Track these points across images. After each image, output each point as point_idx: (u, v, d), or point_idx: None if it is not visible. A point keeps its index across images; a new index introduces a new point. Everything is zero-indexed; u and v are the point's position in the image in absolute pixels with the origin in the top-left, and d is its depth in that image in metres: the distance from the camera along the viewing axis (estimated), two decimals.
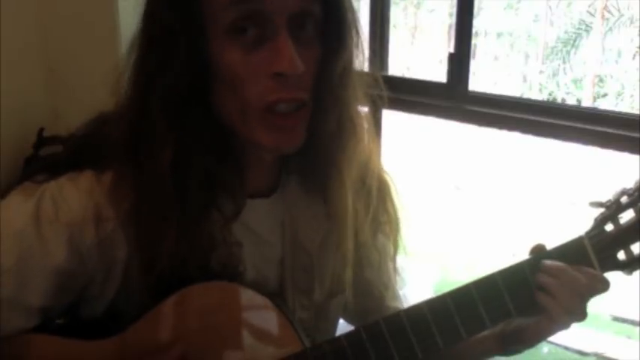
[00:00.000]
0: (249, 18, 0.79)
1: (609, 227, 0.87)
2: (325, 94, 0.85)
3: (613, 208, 0.87)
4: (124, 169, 0.84)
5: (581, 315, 0.86)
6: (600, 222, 0.87)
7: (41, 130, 2.23)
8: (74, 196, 0.85)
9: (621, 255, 0.87)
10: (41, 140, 2.22)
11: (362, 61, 0.90)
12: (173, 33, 0.80)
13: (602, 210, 0.88)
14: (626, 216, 0.86)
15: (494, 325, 0.88)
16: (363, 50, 0.89)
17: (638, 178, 0.87)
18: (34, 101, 2.29)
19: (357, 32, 0.88)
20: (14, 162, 2.16)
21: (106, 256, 0.86)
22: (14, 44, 2.15)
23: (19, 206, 0.86)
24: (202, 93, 0.82)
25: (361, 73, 0.91)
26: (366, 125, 0.94)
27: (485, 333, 0.90)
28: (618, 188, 0.88)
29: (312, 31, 0.83)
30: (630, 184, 0.87)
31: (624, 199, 0.87)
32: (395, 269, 1.05)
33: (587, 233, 0.87)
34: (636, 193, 0.86)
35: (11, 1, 2.12)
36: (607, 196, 0.89)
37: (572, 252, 0.87)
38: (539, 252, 0.88)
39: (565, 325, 0.87)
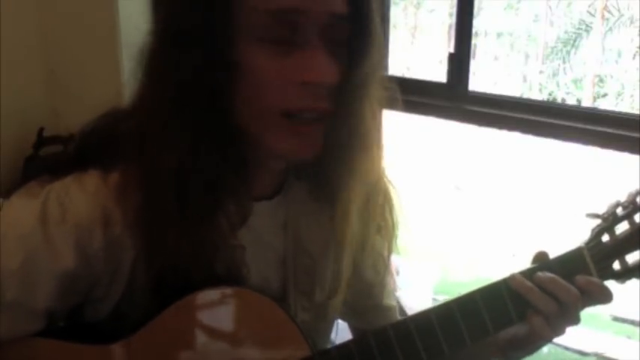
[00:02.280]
0: (285, 26, 0.79)
1: (605, 238, 0.90)
2: (341, 104, 0.84)
3: (609, 220, 0.90)
4: (131, 169, 0.83)
5: (569, 319, 0.88)
6: (598, 233, 0.90)
7: (41, 130, 2.23)
8: (81, 198, 0.84)
9: (616, 265, 0.90)
10: (41, 140, 2.23)
11: (382, 71, 0.89)
12: (198, 33, 0.79)
13: (598, 221, 0.91)
14: (622, 227, 0.90)
15: (498, 332, 0.89)
16: (384, 63, 0.89)
17: (631, 190, 0.90)
18: (34, 101, 2.29)
19: (381, 46, 0.87)
20: (14, 162, 2.16)
21: (113, 258, 0.85)
22: (14, 44, 2.15)
23: (24, 208, 0.85)
24: (219, 96, 0.81)
25: (380, 83, 0.89)
26: (375, 134, 0.92)
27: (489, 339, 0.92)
28: (613, 200, 0.91)
29: (341, 43, 0.82)
30: (624, 197, 0.90)
31: (619, 211, 0.90)
32: (388, 270, 1.06)
33: (586, 244, 0.90)
34: (631, 206, 0.89)
35: (11, 2, 2.13)
36: (603, 207, 0.92)
37: (571, 262, 0.89)
38: (540, 259, 0.90)
39: (553, 332, 0.88)
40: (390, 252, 1.02)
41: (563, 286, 0.86)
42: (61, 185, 0.85)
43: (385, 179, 0.99)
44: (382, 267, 1.04)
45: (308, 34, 0.79)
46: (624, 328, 4.99)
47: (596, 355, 4.68)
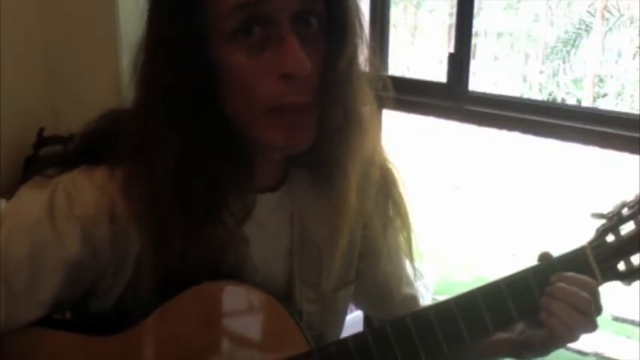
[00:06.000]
0: (254, 20, 0.79)
1: (610, 238, 0.89)
2: (330, 90, 0.84)
3: (614, 220, 0.89)
4: (135, 167, 0.84)
5: (589, 327, 0.88)
6: (602, 233, 0.89)
7: (41, 130, 2.23)
8: (88, 189, 0.85)
9: (621, 266, 0.89)
10: (41, 140, 2.23)
11: (365, 59, 0.89)
12: (176, 39, 0.80)
13: (603, 221, 0.90)
14: (627, 227, 0.89)
15: (497, 331, 0.90)
16: (367, 47, 0.88)
17: (638, 190, 0.89)
18: (34, 101, 2.29)
19: (361, 28, 0.87)
20: (14, 162, 2.16)
21: (119, 249, 0.86)
22: (14, 44, 2.15)
23: (31, 199, 0.86)
24: (209, 97, 0.82)
25: (367, 72, 0.90)
26: (369, 117, 0.92)
27: (502, 337, 0.93)
28: (619, 200, 0.90)
29: (316, 29, 0.82)
30: (631, 197, 0.90)
31: (625, 211, 0.89)
32: (411, 261, 1.04)
33: (590, 243, 0.89)
34: (637, 206, 0.88)
35: (11, 2, 2.13)
36: (608, 206, 0.91)
37: (574, 261, 0.89)
38: (545, 260, 0.90)
39: (573, 338, 0.89)
40: (409, 244, 1.01)
41: (585, 299, 0.86)
42: (68, 177, 0.86)
43: (390, 166, 0.99)
44: (397, 257, 1.05)
45: (280, 25, 0.79)
46: (624, 328, 4.98)
47: (596, 355, 4.68)
